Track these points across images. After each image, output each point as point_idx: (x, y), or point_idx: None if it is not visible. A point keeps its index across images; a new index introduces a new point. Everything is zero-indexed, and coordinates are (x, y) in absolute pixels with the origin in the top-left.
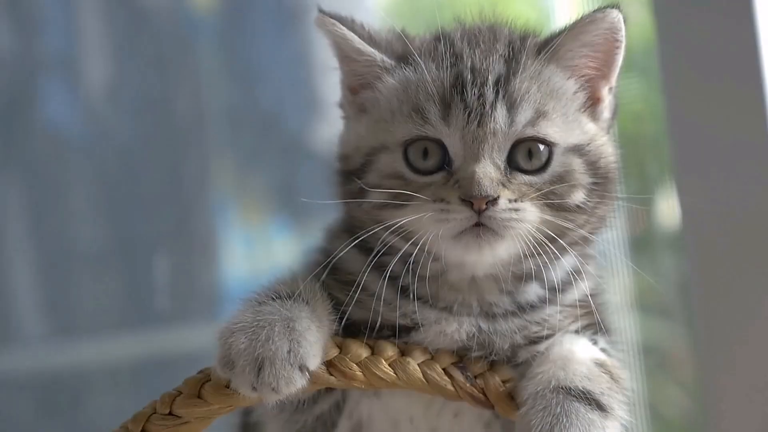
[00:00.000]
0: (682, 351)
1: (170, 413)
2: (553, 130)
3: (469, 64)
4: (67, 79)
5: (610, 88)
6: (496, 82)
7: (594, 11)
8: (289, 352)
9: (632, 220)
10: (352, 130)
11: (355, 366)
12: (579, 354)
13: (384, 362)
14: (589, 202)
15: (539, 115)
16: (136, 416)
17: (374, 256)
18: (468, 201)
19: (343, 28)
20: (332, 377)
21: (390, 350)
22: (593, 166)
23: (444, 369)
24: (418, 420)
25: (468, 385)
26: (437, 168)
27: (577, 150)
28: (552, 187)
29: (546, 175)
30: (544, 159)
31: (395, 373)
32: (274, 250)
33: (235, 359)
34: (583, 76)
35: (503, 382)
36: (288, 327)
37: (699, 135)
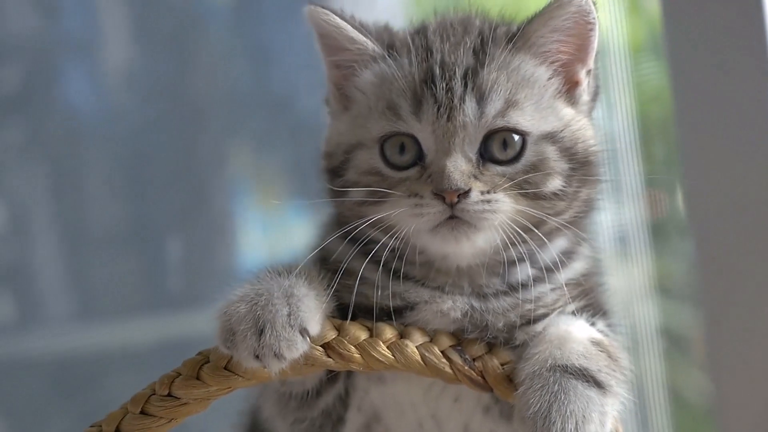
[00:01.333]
0: (702, 334)
1: (169, 394)
2: (525, 119)
3: (438, 58)
4: (86, 61)
5: (588, 71)
6: (464, 75)
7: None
8: (289, 315)
9: (653, 204)
10: (335, 127)
11: (353, 348)
12: (576, 333)
13: (382, 345)
14: (568, 188)
15: (510, 105)
16: (135, 397)
17: (360, 244)
18: (440, 195)
19: (336, 17)
20: (330, 359)
21: (388, 333)
22: (569, 152)
23: (442, 352)
24: (419, 405)
25: (466, 367)
26: (413, 163)
27: (551, 137)
28: (526, 176)
29: (519, 165)
30: (517, 148)
31: (393, 355)
32: (291, 234)
33: (235, 326)
34: (556, 61)
35: (501, 364)
36: (287, 294)
37: (706, 122)
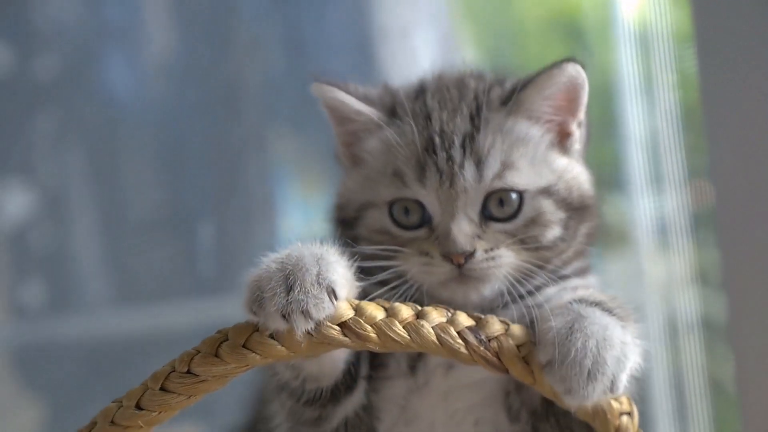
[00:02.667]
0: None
1: (188, 371)
2: (521, 178)
3: (438, 127)
4: (125, 49)
5: (579, 123)
6: (463, 143)
7: (551, 66)
8: (318, 274)
9: (697, 194)
10: (347, 181)
11: (369, 328)
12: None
13: (398, 324)
14: (567, 231)
15: (506, 166)
16: (155, 374)
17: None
18: (448, 257)
19: (342, 92)
20: (347, 338)
21: (405, 313)
22: (565, 202)
23: (458, 332)
24: (439, 426)
25: (481, 348)
26: (420, 224)
27: (547, 191)
28: (526, 230)
29: (519, 221)
30: (515, 206)
31: (409, 335)
32: None
33: (264, 285)
34: (549, 120)
35: (517, 346)
36: (317, 257)
37: (734, 112)
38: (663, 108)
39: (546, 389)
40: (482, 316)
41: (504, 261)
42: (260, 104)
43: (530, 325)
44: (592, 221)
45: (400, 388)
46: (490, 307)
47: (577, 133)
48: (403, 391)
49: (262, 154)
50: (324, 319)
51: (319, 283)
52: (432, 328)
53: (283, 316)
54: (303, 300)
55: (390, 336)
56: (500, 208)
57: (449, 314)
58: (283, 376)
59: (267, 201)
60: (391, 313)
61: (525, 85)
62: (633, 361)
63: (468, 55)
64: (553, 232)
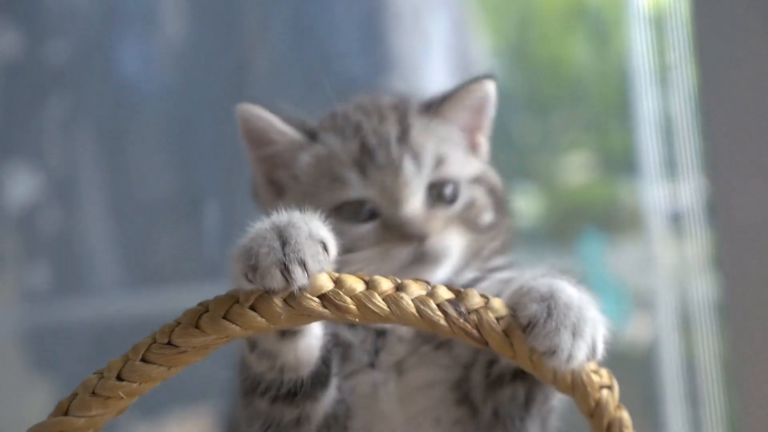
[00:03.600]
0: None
1: (169, 343)
2: (453, 168)
3: (370, 129)
4: (137, 33)
5: (486, 137)
6: (398, 140)
7: (471, 81)
8: (309, 232)
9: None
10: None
11: (349, 300)
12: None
13: (378, 297)
14: (497, 217)
15: (439, 160)
16: (136, 346)
17: None
18: (404, 240)
19: (267, 112)
20: (326, 310)
21: (385, 285)
22: (492, 191)
23: (438, 305)
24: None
25: (461, 320)
26: (370, 217)
27: (477, 180)
28: (466, 214)
29: (458, 205)
30: (453, 193)
31: (389, 307)
32: None
33: (258, 242)
34: (463, 128)
35: (497, 319)
36: (305, 218)
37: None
38: (678, 93)
39: (526, 361)
40: (462, 289)
41: (454, 242)
42: (268, 87)
43: None
44: (508, 218)
45: (366, 384)
46: None
47: (485, 146)
48: (369, 387)
49: None
50: (319, 272)
51: (312, 237)
52: (412, 300)
53: (281, 272)
54: (300, 250)
55: (370, 308)
56: (441, 197)
57: (429, 287)
58: (258, 368)
59: None
60: (371, 286)
61: (446, 95)
62: (604, 330)
63: (481, 40)
64: (488, 216)
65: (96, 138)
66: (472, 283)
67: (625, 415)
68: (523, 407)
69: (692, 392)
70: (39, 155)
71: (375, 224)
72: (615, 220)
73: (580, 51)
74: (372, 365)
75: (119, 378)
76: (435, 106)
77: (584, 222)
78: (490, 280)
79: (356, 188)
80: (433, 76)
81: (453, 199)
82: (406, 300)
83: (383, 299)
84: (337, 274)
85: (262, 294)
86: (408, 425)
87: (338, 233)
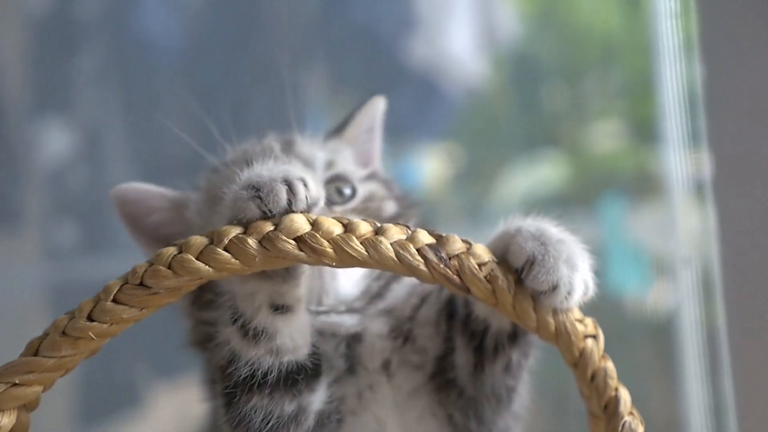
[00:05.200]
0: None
1: (141, 284)
2: (346, 168)
3: (252, 155)
4: None
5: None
6: (283, 151)
7: (363, 106)
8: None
9: None
10: None
11: (326, 243)
12: None
13: (356, 240)
14: (401, 209)
15: (330, 163)
16: (107, 287)
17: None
18: None
19: (142, 185)
20: (302, 253)
21: (363, 228)
22: (389, 185)
23: (418, 249)
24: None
25: (441, 266)
26: None
27: (371, 176)
28: (367, 206)
29: (357, 200)
30: (350, 190)
31: (367, 251)
32: None
33: (257, 174)
34: (358, 149)
35: (479, 265)
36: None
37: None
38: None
39: (508, 309)
40: (443, 234)
41: None
42: (296, 45)
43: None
44: (417, 216)
45: (351, 392)
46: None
47: (377, 159)
48: (354, 395)
49: (297, 96)
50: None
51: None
52: (391, 244)
53: (286, 189)
54: (297, 173)
55: (347, 252)
56: (339, 195)
57: (409, 231)
58: (252, 352)
59: None
60: (349, 229)
61: (342, 125)
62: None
63: (509, 4)
64: (390, 207)
65: (124, 96)
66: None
67: (610, 365)
68: (516, 373)
69: (713, 361)
70: (69, 111)
71: None
72: (638, 186)
73: (609, 17)
74: (352, 371)
75: (90, 319)
76: (327, 135)
77: (608, 188)
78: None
79: None
80: (458, 38)
81: (351, 195)
82: (385, 244)
83: (361, 243)
84: (315, 216)
85: (237, 235)
86: (403, 427)
87: None
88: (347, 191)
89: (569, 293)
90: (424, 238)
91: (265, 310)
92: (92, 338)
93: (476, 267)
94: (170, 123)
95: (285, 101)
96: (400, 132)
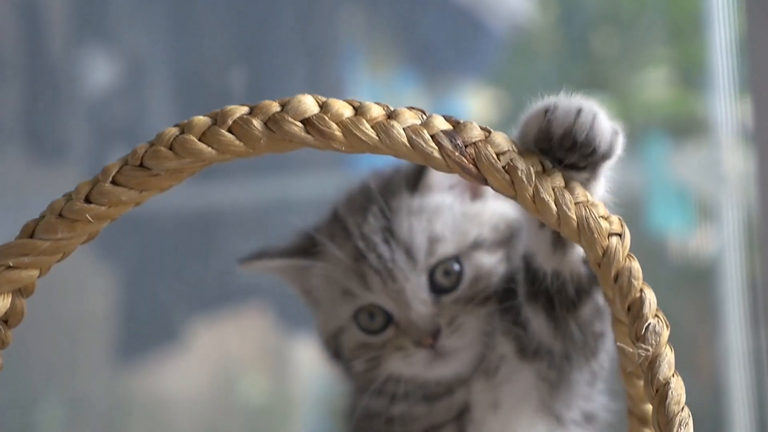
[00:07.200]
0: None
1: (141, 165)
2: (450, 245)
3: (356, 233)
4: None
5: None
6: (384, 239)
7: None
8: None
9: None
10: (317, 322)
11: (335, 126)
12: None
13: (366, 124)
14: (509, 266)
15: (432, 241)
16: (106, 168)
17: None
18: (418, 345)
19: (265, 259)
20: (309, 136)
21: (375, 111)
22: (496, 241)
23: (432, 136)
24: None
25: (456, 153)
26: (386, 324)
27: (477, 245)
28: (475, 289)
29: (465, 283)
30: (456, 270)
31: (378, 136)
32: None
33: None
34: (455, 184)
35: (497, 154)
36: None
37: None
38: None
39: (528, 202)
40: (461, 121)
41: (468, 325)
42: None
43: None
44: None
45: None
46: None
47: None
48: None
49: (332, 33)
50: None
51: None
52: (403, 129)
53: None
54: None
55: (357, 136)
56: (445, 278)
57: (424, 117)
58: None
59: (336, 81)
60: (359, 112)
61: (426, 168)
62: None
63: None
64: (498, 276)
65: (169, 25)
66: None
67: (635, 265)
68: (602, 317)
69: (754, 309)
70: (111, 40)
71: (391, 330)
72: (684, 128)
73: None
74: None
75: (87, 200)
76: (420, 183)
77: (652, 128)
78: None
79: (363, 296)
80: None
81: (458, 279)
82: (397, 129)
83: (372, 127)
84: (324, 98)
85: (242, 116)
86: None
87: (361, 344)
88: (453, 275)
89: (594, 117)
90: (440, 124)
91: None
92: (89, 221)
93: (494, 156)
94: (214, 51)
95: (318, 34)
96: (440, 68)
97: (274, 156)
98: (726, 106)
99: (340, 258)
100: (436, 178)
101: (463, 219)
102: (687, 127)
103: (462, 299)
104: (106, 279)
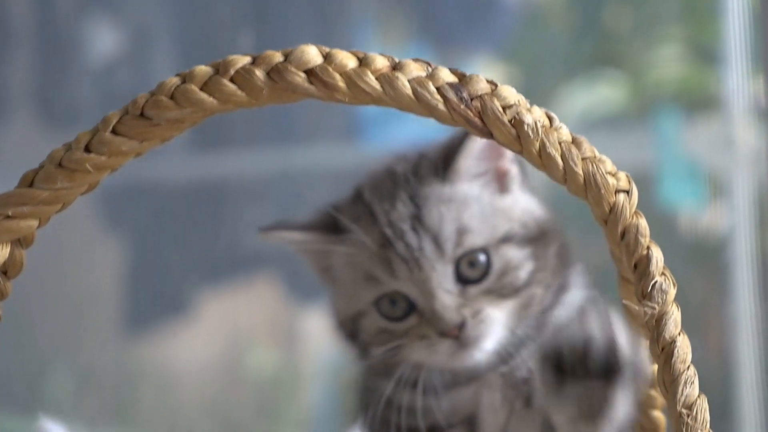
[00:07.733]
0: None
1: (141, 114)
2: (478, 237)
3: (384, 220)
4: None
5: (510, 158)
6: (412, 226)
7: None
8: None
9: None
10: (333, 302)
11: (338, 76)
12: None
13: (371, 75)
14: (538, 262)
15: (461, 232)
16: (106, 117)
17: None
18: (442, 335)
19: (287, 231)
20: (312, 86)
21: (380, 62)
22: (525, 237)
23: (437, 88)
24: None
25: (462, 106)
26: (408, 311)
27: (506, 238)
28: (501, 282)
29: (492, 276)
30: (484, 263)
31: (382, 88)
32: None
33: None
34: (484, 173)
35: (503, 107)
36: None
37: None
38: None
39: (534, 158)
40: (467, 74)
41: (492, 318)
42: None
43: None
44: (556, 242)
45: None
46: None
47: (513, 168)
48: None
49: (343, 3)
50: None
51: None
52: (408, 81)
53: None
54: None
55: (360, 87)
56: (472, 269)
57: (430, 69)
58: None
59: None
60: (364, 63)
61: (455, 152)
62: None
63: None
64: (525, 270)
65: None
66: (532, 334)
67: (642, 222)
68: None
69: (765, 286)
70: (116, 6)
71: (414, 318)
72: (697, 105)
73: None
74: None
75: (87, 150)
76: (449, 169)
77: (664, 103)
78: (562, 308)
79: (388, 283)
80: None
81: (485, 271)
82: (402, 80)
83: (376, 78)
84: (328, 49)
85: (244, 66)
86: None
87: (382, 329)
88: (480, 267)
89: None
90: (446, 76)
91: None
92: (89, 170)
93: (500, 109)
94: (221, 17)
95: (336, 7)
96: (452, 41)
97: (281, 126)
98: (739, 83)
99: (366, 243)
100: (465, 164)
101: (492, 212)
102: (699, 102)
103: (488, 291)
104: (115, 250)
